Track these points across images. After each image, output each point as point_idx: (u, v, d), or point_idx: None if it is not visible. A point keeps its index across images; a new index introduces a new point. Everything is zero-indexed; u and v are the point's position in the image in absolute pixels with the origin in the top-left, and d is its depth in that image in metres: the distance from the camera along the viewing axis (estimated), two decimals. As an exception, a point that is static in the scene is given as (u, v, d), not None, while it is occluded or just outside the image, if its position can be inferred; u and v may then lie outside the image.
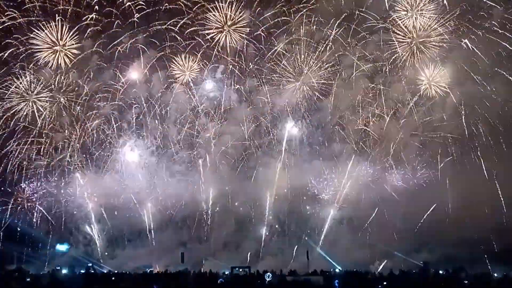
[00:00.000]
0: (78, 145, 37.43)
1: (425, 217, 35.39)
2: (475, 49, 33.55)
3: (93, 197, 37.80)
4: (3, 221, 36.26)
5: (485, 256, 32.37)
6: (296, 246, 38.43)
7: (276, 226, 39.46)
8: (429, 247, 35.18)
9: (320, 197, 38.44)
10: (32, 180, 37.25)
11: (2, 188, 36.82)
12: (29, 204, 37.68)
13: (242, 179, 38.79)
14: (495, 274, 26.58)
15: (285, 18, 35.89)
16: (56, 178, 37.51)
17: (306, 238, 38.70)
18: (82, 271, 30.81)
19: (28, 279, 26.58)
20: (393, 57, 35.30)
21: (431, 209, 35.62)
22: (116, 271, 34.88)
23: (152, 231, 39.04)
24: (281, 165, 38.13)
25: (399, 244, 35.62)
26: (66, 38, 35.33)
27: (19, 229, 37.02)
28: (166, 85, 37.54)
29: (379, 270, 32.18)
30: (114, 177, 38.17)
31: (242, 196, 38.73)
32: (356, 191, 37.64)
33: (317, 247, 37.86)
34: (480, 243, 33.03)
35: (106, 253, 38.91)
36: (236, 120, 38.22)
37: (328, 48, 35.87)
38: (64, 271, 31.60)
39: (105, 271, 34.40)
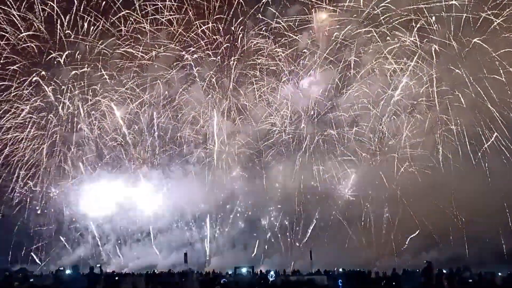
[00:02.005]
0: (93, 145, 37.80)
1: (434, 216, 35.56)
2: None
3: (101, 197, 38.04)
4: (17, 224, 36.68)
5: (493, 255, 32.49)
6: (300, 246, 38.62)
7: (282, 225, 39.75)
8: (439, 247, 35.19)
9: (327, 197, 38.48)
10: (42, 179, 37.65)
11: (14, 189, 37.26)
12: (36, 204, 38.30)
13: (253, 179, 38.97)
14: (499, 273, 26.34)
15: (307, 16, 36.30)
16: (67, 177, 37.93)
17: (310, 238, 38.86)
18: (86, 272, 30.72)
19: (32, 280, 26.64)
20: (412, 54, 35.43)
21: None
22: (120, 271, 35.12)
23: (158, 231, 39.32)
24: (293, 165, 38.21)
25: (407, 243, 35.71)
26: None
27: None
28: (184, 83, 38.03)
29: (382, 269, 32.04)
30: (126, 176, 38.39)
31: (252, 196, 38.92)
32: (364, 190, 37.67)
33: (321, 246, 37.94)
34: (489, 243, 33.00)
35: (110, 253, 39.22)
36: (251, 119, 38.46)
37: (348, 46, 36.28)
38: (68, 271, 31.68)
39: (109, 271, 34.62)
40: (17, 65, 36.00)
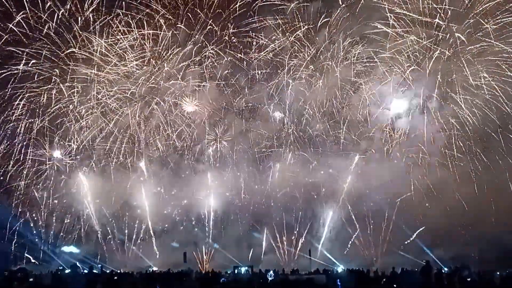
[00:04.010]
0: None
1: (440, 216, 35.56)
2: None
3: (105, 196, 37.97)
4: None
5: (497, 254, 32.43)
6: (299, 245, 38.62)
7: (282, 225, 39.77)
8: (444, 246, 35.21)
9: (329, 195, 38.48)
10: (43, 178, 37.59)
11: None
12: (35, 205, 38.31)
13: (260, 178, 39.09)
14: (498, 273, 26.32)
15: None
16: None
17: (309, 237, 38.89)
18: (85, 271, 30.89)
19: (31, 279, 26.69)
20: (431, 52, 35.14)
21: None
22: (119, 271, 35.14)
23: (162, 230, 39.24)
24: (300, 163, 38.22)
25: (410, 242, 35.78)
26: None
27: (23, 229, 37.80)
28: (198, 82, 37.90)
29: (382, 268, 32.09)
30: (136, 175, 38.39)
31: (257, 195, 38.89)
32: (368, 189, 37.65)
33: (320, 245, 37.99)
34: (494, 242, 33.02)
35: (110, 252, 39.29)
36: (261, 118, 38.62)
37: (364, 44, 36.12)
38: (67, 270, 31.79)
39: (108, 271, 34.67)
40: (30, 66, 35.71)
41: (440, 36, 34.66)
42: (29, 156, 37.11)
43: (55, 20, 34.63)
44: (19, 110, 36.29)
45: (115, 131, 37.84)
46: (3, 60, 34.66)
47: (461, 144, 36.23)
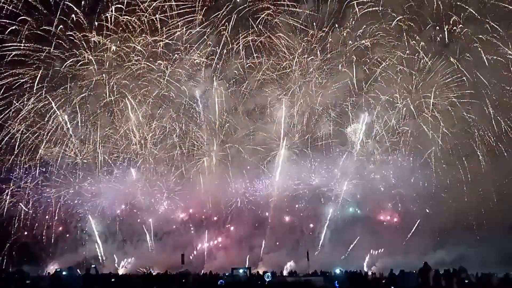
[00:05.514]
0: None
1: (442, 218, 35.76)
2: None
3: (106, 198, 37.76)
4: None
5: (496, 257, 32.42)
6: (297, 247, 38.57)
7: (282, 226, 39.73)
8: (446, 248, 35.16)
9: (330, 196, 38.51)
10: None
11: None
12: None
13: (262, 179, 39.41)
14: (496, 274, 26.21)
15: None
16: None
17: (308, 238, 38.86)
18: (83, 273, 30.81)
19: (28, 281, 26.60)
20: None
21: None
22: (116, 272, 35.08)
23: (164, 232, 39.07)
24: (308, 165, 38.20)
25: (410, 244, 35.75)
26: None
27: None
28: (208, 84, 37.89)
29: (379, 270, 32.05)
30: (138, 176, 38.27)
31: (258, 197, 38.81)
32: (370, 191, 37.44)
33: (319, 247, 37.95)
34: (497, 244, 33.07)
35: (108, 254, 39.21)
36: (269, 119, 38.60)
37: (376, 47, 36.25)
38: (64, 272, 31.67)
39: (106, 272, 34.51)
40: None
41: (452, 40, 34.95)
42: (37, 155, 37.13)
43: (68, 24, 34.82)
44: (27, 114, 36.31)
45: (122, 133, 37.93)
46: (11, 64, 34.73)
47: (466, 147, 36.34)
